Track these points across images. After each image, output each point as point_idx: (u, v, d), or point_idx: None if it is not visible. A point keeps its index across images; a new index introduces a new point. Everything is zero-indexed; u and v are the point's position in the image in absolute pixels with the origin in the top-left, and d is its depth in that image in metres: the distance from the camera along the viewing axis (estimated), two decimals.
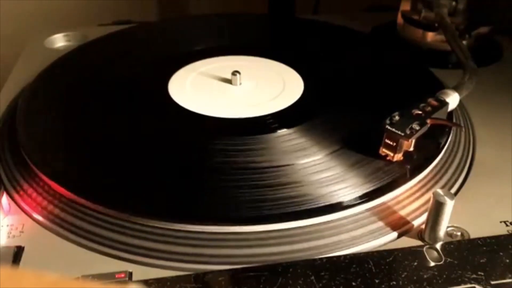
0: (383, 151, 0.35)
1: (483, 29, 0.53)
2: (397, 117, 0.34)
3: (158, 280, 0.27)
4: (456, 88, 0.39)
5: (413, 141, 0.34)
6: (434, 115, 0.36)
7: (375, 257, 0.28)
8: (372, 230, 0.31)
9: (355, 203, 0.32)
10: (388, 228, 0.31)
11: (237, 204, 0.31)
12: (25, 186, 0.35)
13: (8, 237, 0.31)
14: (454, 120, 0.40)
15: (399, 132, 0.33)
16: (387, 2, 0.63)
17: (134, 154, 0.36)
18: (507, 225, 0.32)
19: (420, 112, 0.35)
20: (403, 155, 0.34)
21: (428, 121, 0.35)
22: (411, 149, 0.35)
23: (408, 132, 0.34)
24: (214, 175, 0.34)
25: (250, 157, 0.35)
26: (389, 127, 0.34)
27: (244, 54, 0.50)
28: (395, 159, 0.34)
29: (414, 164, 0.34)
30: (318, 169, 0.34)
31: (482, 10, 0.54)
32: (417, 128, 0.34)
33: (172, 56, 0.50)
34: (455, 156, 0.38)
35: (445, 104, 0.37)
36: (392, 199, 0.33)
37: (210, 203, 0.32)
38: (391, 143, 0.34)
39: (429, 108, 0.36)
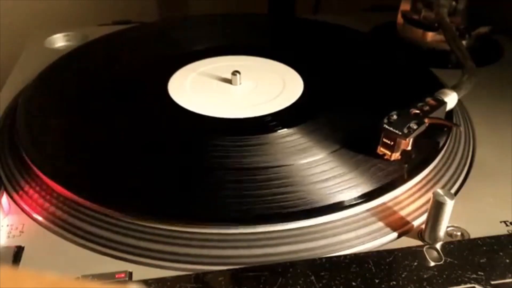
0: (381, 150, 0.34)
1: (483, 29, 0.53)
2: (395, 116, 0.34)
3: (158, 280, 0.27)
4: (454, 88, 0.39)
5: (411, 140, 0.34)
6: (432, 115, 0.36)
7: (375, 257, 0.28)
8: (372, 230, 0.31)
9: (355, 203, 0.32)
10: (388, 228, 0.31)
11: (237, 205, 0.31)
12: (25, 186, 0.35)
13: (8, 237, 0.31)
14: (454, 120, 0.40)
15: (397, 131, 0.33)
16: (387, 2, 0.63)
17: (134, 154, 0.36)
18: (507, 225, 0.32)
19: (418, 111, 0.35)
20: (401, 155, 0.34)
21: (426, 120, 0.35)
22: (409, 148, 0.35)
23: (405, 131, 0.34)
24: (214, 176, 0.34)
25: (250, 157, 0.35)
26: (386, 126, 0.34)
27: (244, 54, 0.50)
28: (392, 158, 0.34)
29: (414, 164, 0.34)
30: (318, 169, 0.34)
31: (482, 10, 0.54)
32: (415, 127, 0.34)
33: (172, 56, 0.50)
34: (455, 156, 0.38)
35: (443, 103, 0.37)
36: (392, 199, 0.33)
37: (210, 203, 0.32)
38: (389, 142, 0.34)
39: (427, 108, 0.36)
